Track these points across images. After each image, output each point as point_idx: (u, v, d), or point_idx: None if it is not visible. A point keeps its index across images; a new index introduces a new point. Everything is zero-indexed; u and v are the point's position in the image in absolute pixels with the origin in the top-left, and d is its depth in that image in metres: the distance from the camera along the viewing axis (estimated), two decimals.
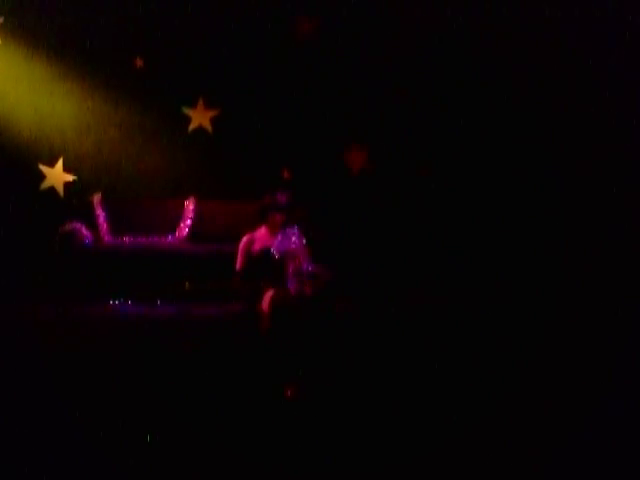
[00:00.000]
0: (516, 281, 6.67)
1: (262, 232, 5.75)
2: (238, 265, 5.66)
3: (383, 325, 5.66)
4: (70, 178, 7.80)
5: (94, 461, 3.51)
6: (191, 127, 7.91)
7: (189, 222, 7.54)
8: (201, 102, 7.90)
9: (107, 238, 7.43)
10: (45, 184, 7.77)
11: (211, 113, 7.92)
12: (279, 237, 5.53)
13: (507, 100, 7.36)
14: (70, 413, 4.03)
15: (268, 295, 5.24)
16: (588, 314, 5.72)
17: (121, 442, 3.70)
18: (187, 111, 7.90)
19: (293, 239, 5.52)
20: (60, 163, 7.78)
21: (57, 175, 7.78)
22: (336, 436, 3.80)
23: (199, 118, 7.92)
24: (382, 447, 3.70)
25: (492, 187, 7.48)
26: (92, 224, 7.38)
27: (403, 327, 5.58)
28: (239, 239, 7.02)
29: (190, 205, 7.61)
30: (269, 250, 5.48)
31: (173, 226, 7.52)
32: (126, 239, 7.40)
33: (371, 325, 5.64)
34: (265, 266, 5.51)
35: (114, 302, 6.81)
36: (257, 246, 5.65)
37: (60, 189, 7.79)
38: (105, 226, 7.45)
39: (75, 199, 7.67)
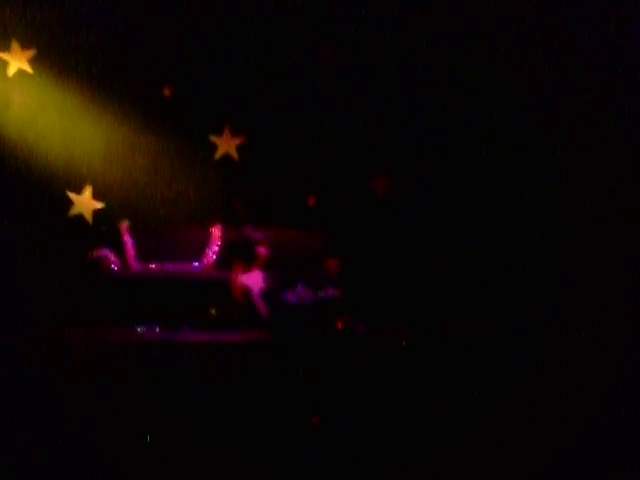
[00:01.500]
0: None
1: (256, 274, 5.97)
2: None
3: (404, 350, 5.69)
4: (98, 205, 7.90)
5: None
6: (217, 154, 8.01)
7: (215, 249, 7.62)
8: (227, 130, 8.00)
9: (134, 265, 7.51)
10: (73, 211, 7.86)
11: (237, 141, 8.01)
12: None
13: (534, 129, 7.36)
14: (94, 437, 4.06)
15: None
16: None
17: (144, 464, 3.73)
18: (213, 139, 8.00)
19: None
20: (89, 190, 7.87)
21: (86, 202, 7.87)
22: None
23: (225, 146, 8.01)
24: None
25: (517, 218, 7.48)
26: (120, 251, 7.48)
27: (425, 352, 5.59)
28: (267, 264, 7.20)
29: (216, 232, 7.69)
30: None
31: (200, 253, 7.60)
32: (153, 265, 7.48)
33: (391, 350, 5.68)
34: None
35: (141, 328, 6.86)
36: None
37: (88, 216, 7.87)
38: (133, 253, 7.53)
39: (103, 226, 7.76)
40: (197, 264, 7.54)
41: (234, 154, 8.01)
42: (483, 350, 5.46)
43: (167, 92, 7.92)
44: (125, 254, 7.50)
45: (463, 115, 7.67)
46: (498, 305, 6.73)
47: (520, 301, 6.74)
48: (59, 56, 7.75)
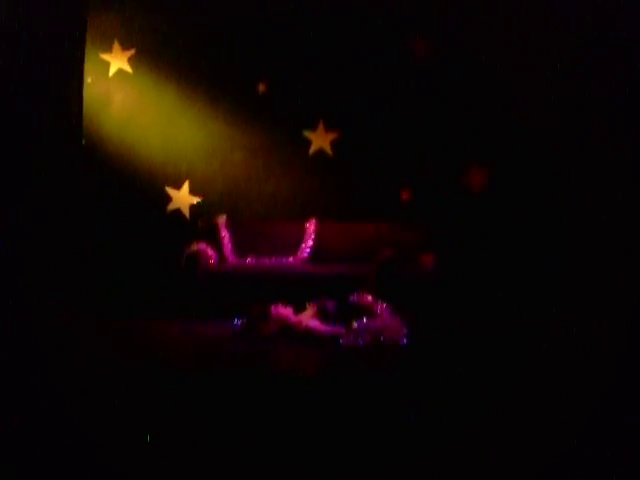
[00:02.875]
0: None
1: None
2: None
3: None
4: (195, 200, 8.04)
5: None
6: (312, 150, 8.04)
7: (310, 243, 7.65)
8: (321, 125, 8.02)
9: (231, 259, 7.61)
10: (172, 206, 8.02)
11: (331, 136, 8.02)
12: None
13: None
14: (186, 427, 4.09)
15: None
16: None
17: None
18: (308, 134, 8.03)
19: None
20: (186, 186, 8.02)
21: (183, 197, 8.03)
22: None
23: (319, 141, 8.03)
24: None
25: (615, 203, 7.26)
26: (217, 245, 7.58)
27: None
28: (359, 259, 7.17)
29: (311, 226, 7.72)
30: None
31: (295, 247, 7.65)
32: (249, 260, 7.57)
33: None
34: None
35: (238, 321, 6.94)
36: None
37: (186, 211, 8.02)
38: (229, 247, 7.63)
39: (200, 220, 7.88)
40: (292, 259, 7.59)
41: (328, 149, 8.03)
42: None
43: (261, 88, 7.99)
44: (222, 248, 7.60)
45: (559, 106, 7.48)
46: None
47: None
48: (157, 55, 7.95)
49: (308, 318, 6.47)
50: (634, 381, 4.40)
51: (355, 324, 6.25)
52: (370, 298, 6.50)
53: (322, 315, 6.48)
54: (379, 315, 6.39)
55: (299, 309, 6.60)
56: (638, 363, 4.78)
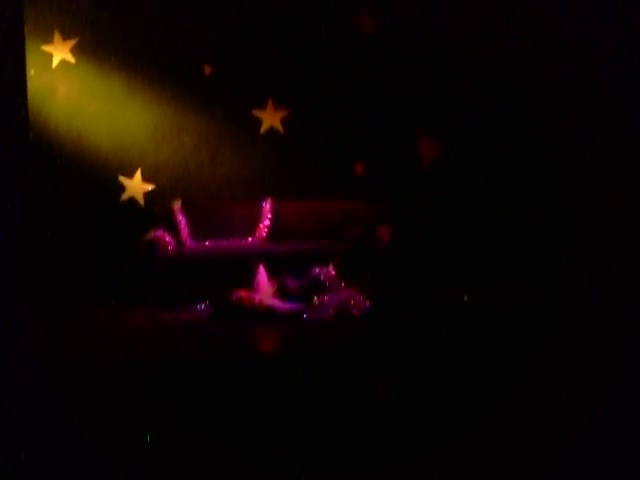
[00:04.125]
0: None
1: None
2: None
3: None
4: (149, 187, 7.97)
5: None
6: (263, 129, 8.00)
7: (267, 222, 7.65)
8: (270, 103, 8.00)
9: (189, 243, 7.58)
10: (125, 195, 7.95)
11: (281, 114, 7.99)
12: None
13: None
14: (152, 413, 4.10)
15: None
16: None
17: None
18: (258, 113, 8.00)
19: None
20: (139, 173, 7.94)
21: (137, 185, 7.95)
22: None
23: (270, 119, 8.00)
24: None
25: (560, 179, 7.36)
26: (174, 231, 7.54)
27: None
28: (317, 236, 7.21)
29: (267, 206, 7.72)
30: None
31: (252, 228, 7.64)
32: (208, 243, 7.55)
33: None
34: None
35: (200, 306, 6.94)
36: None
37: (140, 199, 7.95)
38: (187, 232, 7.60)
39: (156, 207, 7.83)
40: (250, 239, 7.59)
41: (279, 127, 8.01)
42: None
43: (208, 70, 7.93)
44: (179, 234, 7.56)
45: (510, 76, 7.55)
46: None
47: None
48: (100, 43, 7.84)
49: (268, 297, 6.51)
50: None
51: (317, 299, 6.31)
52: (333, 272, 6.56)
53: (282, 292, 6.52)
54: (341, 289, 6.45)
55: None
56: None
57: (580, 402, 4.06)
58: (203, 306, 6.86)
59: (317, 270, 6.57)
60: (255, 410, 4.06)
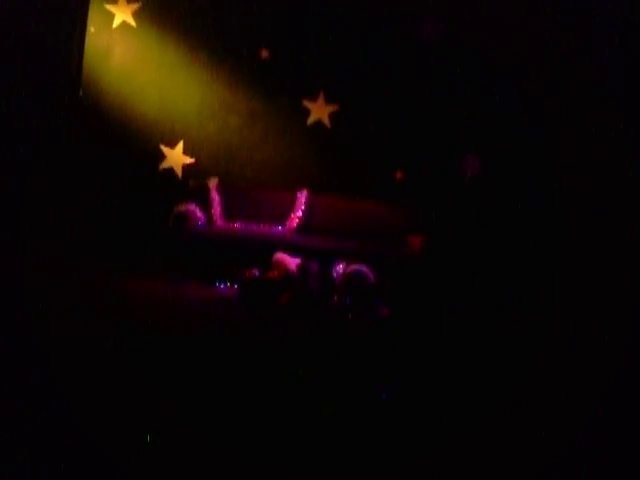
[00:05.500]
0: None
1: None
2: None
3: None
4: (189, 161, 7.99)
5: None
6: (310, 120, 7.98)
7: (300, 214, 7.62)
8: (322, 96, 7.97)
9: (219, 222, 7.58)
10: (164, 164, 7.97)
11: (331, 108, 7.96)
12: None
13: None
14: (168, 385, 4.09)
15: None
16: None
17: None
18: (307, 104, 7.98)
19: None
20: (180, 145, 7.96)
21: (177, 157, 7.97)
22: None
23: (318, 112, 7.97)
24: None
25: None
26: (206, 207, 7.54)
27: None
28: (347, 235, 7.17)
29: (302, 197, 7.69)
30: None
31: (284, 216, 7.62)
32: (237, 225, 7.53)
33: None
34: None
35: (219, 285, 6.95)
36: None
37: (178, 170, 7.97)
38: (219, 210, 7.60)
39: (192, 181, 7.84)
40: (280, 227, 7.56)
41: (327, 121, 7.98)
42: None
43: (264, 54, 7.92)
44: (211, 211, 7.56)
45: (561, 97, 7.46)
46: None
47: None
48: (162, 12, 7.86)
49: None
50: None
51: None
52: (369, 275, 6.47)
53: (303, 272, 6.46)
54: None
55: None
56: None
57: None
58: (223, 286, 6.87)
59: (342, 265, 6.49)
60: (263, 397, 4.05)
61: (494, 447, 3.61)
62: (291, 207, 7.64)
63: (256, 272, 6.52)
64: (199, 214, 7.36)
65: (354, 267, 6.47)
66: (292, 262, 6.52)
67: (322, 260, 6.62)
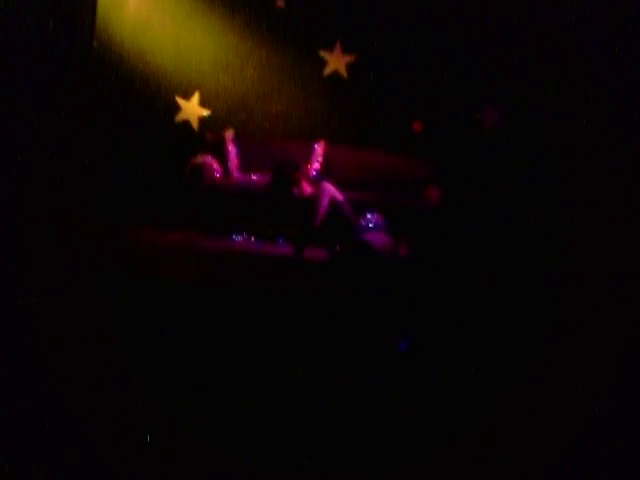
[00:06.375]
0: None
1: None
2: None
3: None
4: (205, 112, 7.92)
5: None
6: (327, 71, 7.88)
7: (317, 165, 7.56)
8: (339, 46, 7.85)
9: (236, 174, 7.53)
10: (180, 116, 7.92)
11: (348, 59, 7.86)
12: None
13: None
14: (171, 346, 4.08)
15: None
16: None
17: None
18: (324, 54, 7.87)
19: None
20: (196, 97, 7.89)
21: (192, 108, 7.91)
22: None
23: (335, 63, 7.87)
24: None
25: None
26: (223, 159, 7.49)
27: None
28: (365, 186, 7.10)
29: (319, 148, 7.61)
30: None
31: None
32: (254, 176, 7.47)
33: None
34: None
35: (237, 236, 6.95)
36: None
37: (194, 122, 7.92)
38: (235, 162, 7.55)
39: (208, 133, 7.78)
40: None
41: (344, 72, 7.88)
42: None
43: (280, 3, 7.80)
44: (228, 163, 7.51)
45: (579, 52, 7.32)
46: None
47: None
48: None
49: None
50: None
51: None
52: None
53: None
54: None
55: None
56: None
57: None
58: (239, 237, 6.86)
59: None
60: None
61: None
62: (308, 158, 7.55)
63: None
64: (215, 166, 7.32)
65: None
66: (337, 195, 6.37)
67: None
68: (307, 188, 6.32)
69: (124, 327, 4.15)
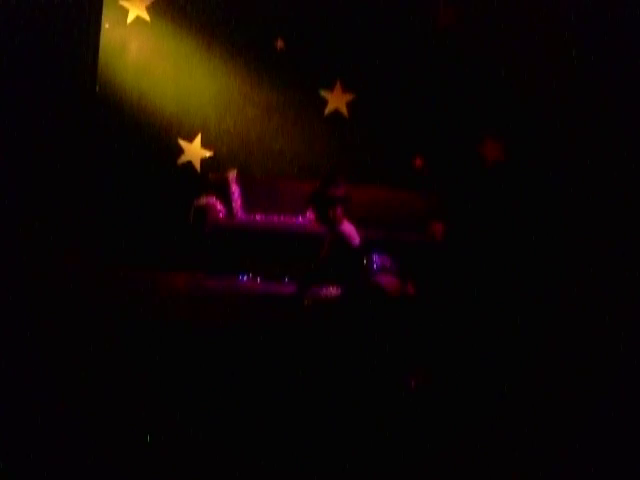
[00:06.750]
0: None
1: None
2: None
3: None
4: (207, 154, 7.98)
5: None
6: (327, 110, 7.96)
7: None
8: (339, 85, 7.92)
9: (240, 214, 7.55)
10: (183, 159, 7.97)
11: (348, 97, 7.93)
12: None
13: None
14: (185, 381, 4.07)
15: None
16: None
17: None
18: (324, 94, 7.94)
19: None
20: (199, 139, 7.95)
21: (195, 150, 7.97)
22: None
23: (336, 101, 7.94)
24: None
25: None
26: (226, 200, 7.52)
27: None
28: (369, 224, 7.10)
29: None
30: None
31: (304, 207, 7.56)
32: (258, 217, 7.51)
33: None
34: None
35: (242, 277, 6.95)
36: None
37: (197, 164, 7.97)
38: (239, 202, 7.58)
39: (211, 174, 7.82)
40: (301, 218, 7.52)
41: (344, 110, 7.95)
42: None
43: (280, 44, 7.89)
44: (231, 203, 7.54)
45: (583, 84, 7.37)
46: None
47: None
48: (176, 5, 7.83)
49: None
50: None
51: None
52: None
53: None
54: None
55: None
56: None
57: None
58: (245, 278, 6.86)
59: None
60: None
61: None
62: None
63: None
64: (219, 207, 7.35)
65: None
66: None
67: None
68: (346, 227, 6.13)
69: (129, 371, 4.13)
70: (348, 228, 5.99)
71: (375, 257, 6.08)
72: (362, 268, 5.97)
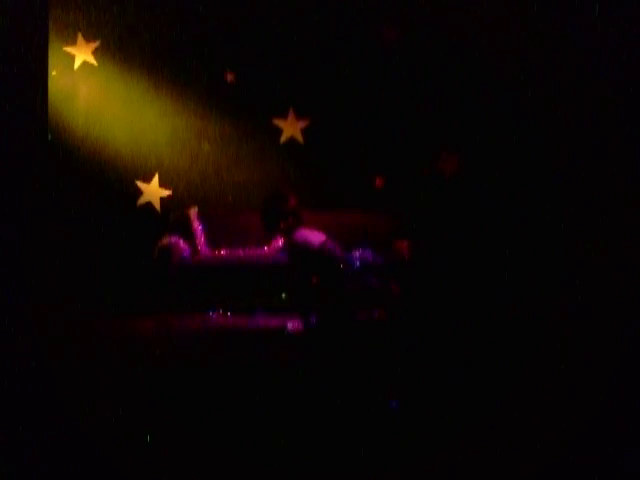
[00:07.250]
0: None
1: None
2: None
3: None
4: (166, 193, 7.94)
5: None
6: (283, 138, 7.97)
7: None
8: (292, 113, 7.95)
9: (204, 250, 7.50)
10: (142, 200, 7.92)
11: (302, 124, 7.96)
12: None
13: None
14: (166, 425, 4.02)
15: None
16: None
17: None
18: (278, 122, 7.96)
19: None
20: (156, 179, 7.91)
21: (153, 190, 7.92)
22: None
23: (290, 129, 7.96)
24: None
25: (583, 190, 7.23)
26: (189, 237, 7.48)
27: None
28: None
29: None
30: None
31: (268, 237, 7.55)
32: (223, 251, 7.47)
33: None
34: None
35: (212, 313, 6.89)
36: None
37: (157, 204, 7.93)
38: (202, 239, 7.53)
39: (172, 213, 7.79)
40: (266, 248, 7.50)
41: (299, 137, 7.97)
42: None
43: (230, 77, 7.90)
44: (195, 240, 7.50)
45: (535, 92, 7.45)
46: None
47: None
48: (122, 47, 7.83)
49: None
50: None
51: None
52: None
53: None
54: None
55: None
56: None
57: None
58: (215, 314, 6.81)
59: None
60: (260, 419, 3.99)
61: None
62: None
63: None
64: (183, 245, 7.30)
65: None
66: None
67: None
68: (300, 233, 5.88)
69: (106, 420, 4.06)
70: (302, 234, 5.89)
71: (357, 253, 6.02)
72: (341, 270, 5.90)
